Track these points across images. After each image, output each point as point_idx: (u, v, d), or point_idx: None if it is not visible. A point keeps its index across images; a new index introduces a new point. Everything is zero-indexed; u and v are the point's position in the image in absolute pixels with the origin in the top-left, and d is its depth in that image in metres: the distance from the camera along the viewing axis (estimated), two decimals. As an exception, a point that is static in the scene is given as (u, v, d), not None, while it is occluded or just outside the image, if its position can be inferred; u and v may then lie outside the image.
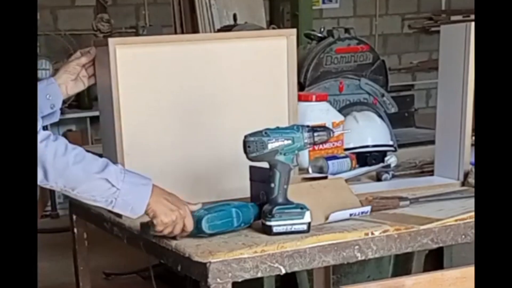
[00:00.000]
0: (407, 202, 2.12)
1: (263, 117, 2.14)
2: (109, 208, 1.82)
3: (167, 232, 1.83)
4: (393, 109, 3.71)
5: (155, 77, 2.08)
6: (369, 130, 2.71)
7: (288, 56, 2.21)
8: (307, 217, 1.88)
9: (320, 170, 2.44)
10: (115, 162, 1.90)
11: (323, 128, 2.00)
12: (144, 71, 2.07)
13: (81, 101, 6.15)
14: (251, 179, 2.02)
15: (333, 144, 2.54)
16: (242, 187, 2.07)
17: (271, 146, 1.89)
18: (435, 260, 3.49)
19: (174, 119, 2.11)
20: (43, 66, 5.58)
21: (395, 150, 2.77)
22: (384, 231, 1.93)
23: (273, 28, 4.28)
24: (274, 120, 2.09)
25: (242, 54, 2.17)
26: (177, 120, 2.11)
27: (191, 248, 1.79)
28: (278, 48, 2.20)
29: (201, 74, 2.12)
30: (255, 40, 2.22)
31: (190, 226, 1.84)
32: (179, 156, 2.12)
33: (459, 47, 2.28)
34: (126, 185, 1.79)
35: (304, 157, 2.45)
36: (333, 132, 2.02)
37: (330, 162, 2.45)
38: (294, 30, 2.25)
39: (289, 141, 1.90)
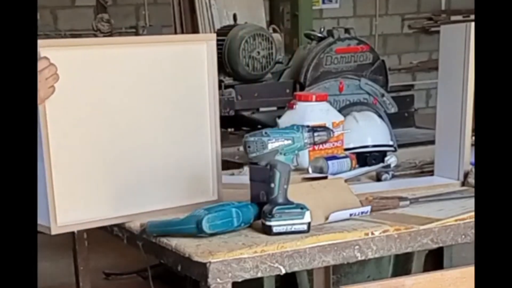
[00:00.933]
0: (407, 202, 2.12)
1: (182, 125, 2.11)
2: None
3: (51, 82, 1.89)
4: (393, 109, 3.71)
5: (72, 81, 1.95)
6: (369, 130, 2.71)
7: (208, 62, 2.15)
8: (307, 217, 1.88)
9: (320, 170, 2.44)
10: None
11: (323, 128, 2.01)
12: (62, 75, 1.92)
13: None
14: (251, 179, 2.02)
15: (333, 144, 2.53)
16: (161, 197, 2.09)
17: (271, 146, 1.89)
18: (435, 260, 3.49)
19: (92, 126, 2.00)
20: (43, 66, 5.57)
21: (395, 150, 2.77)
22: (384, 231, 1.92)
23: (273, 29, 4.27)
24: (193, 128, 2.11)
25: (159, 58, 2.09)
26: (95, 127, 2.01)
27: (191, 248, 1.79)
28: (198, 54, 2.14)
29: (117, 78, 2.03)
30: (173, 44, 2.15)
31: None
32: (101, 167, 2.02)
33: (459, 47, 2.28)
34: None
35: (304, 157, 2.45)
36: (333, 132, 2.02)
37: (330, 162, 2.45)
38: (214, 35, 2.20)
39: (289, 141, 1.90)
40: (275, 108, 3.70)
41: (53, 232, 1.94)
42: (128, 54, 2.05)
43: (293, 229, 1.87)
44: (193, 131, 2.14)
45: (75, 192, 1.98)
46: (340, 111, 2.81)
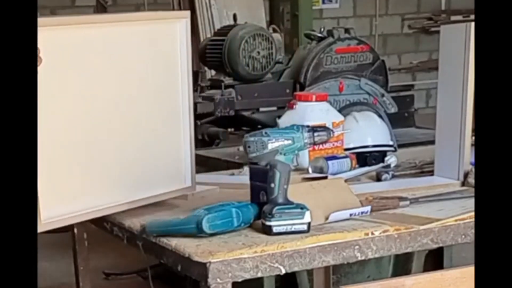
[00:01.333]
0: (407, 202, 2.12)
1: (152, 109, 2.01)
2: None
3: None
4: (393, 109, 3.71)
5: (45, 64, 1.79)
6: (369, 130, 2.71)
7: (180, 42, 2.03)
8: (307, 217, 1.88)
9: (320, 170, 2.44)
10: None
11: (323, 128, 2.01)
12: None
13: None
14: (251, 179, 2.02)
15: (333, 144, 2.53)
16: (136, 186, 2.03)
17: (271, 146, 1.89)
18: (435, 260, 3.49)
19: (69, 112, 1.90)
20: (43, 66, 5.57)
21: (395, 150, 2.77)
22: (384, 231, 1.92)
23: (273, 29, 4.27)
24: (165, 112, 2.02)
25: (129, 38, 1.97)
26: (72, 113, 1.91)
27: (191, 248, 1.79)
28: (170, 33, 2.02)
29: (87, 60, 1.92)
30: (142, 23, 2.01)
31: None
32: (79, 156, 1.93)
33: (459, 47, 2.28)
34: None
35: (304, 157, 2.45)
36: (333, 132, 2.03)
37: (330, 162, 2.45)
38: (187, 13, 2.07)
39: (289, 141, 1.90)
40: (275, 108, 3.70)
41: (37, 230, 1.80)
42: (96, 34, 1.93)
43: (293, 229, 1.87)
44: (164, 115, 2.05)
45: (57, 185, 1.88)
46: (340, 111, 2.81)
